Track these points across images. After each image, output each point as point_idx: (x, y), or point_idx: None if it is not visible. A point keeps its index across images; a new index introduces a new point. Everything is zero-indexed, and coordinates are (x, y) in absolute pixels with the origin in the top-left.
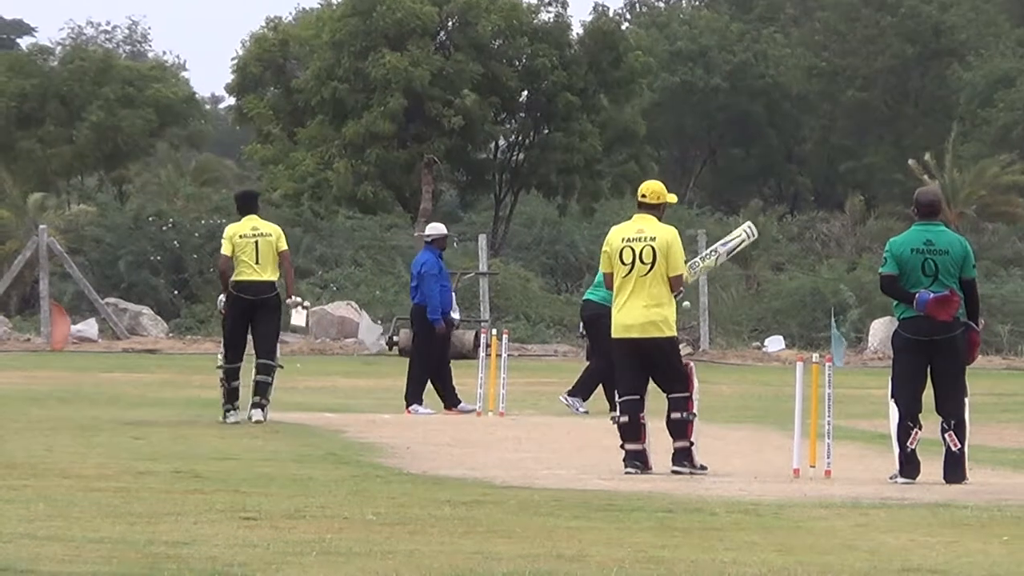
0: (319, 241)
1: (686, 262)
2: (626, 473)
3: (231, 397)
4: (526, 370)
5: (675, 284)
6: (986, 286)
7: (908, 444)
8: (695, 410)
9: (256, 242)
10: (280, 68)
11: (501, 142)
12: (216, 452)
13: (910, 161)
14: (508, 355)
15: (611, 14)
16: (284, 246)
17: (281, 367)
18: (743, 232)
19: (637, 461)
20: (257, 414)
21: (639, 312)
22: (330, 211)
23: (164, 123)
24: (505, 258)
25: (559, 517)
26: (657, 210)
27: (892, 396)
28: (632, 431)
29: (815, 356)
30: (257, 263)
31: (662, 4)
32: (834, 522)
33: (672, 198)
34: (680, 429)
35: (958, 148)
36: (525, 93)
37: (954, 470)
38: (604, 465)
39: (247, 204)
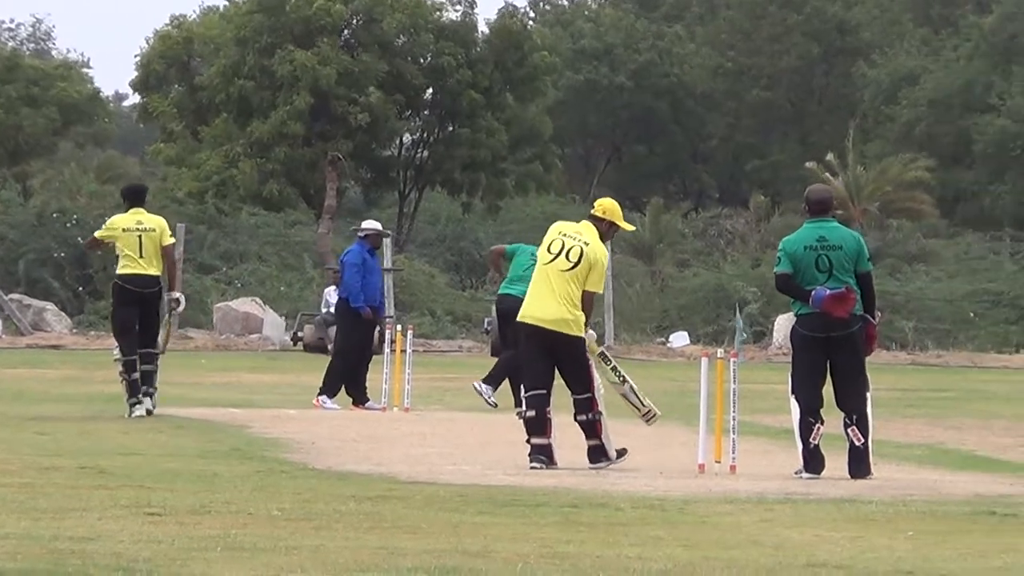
0: (223, 237)
1: (610, 363)
2: (531, 468)
3: (133, 390)
4: (431, 366)
5: (587, 300)
6: (890, 283)
7: (811, 440)
8: (601, 408)
9: (140, 237)
10: (184, 66)
11: (406, 139)
12: (121, 448)
13: (808, 164)
14: (413, 351)
15: (517, 12)
16: (168, 240)
17: (161, 352)
18: (651, 409)
19: (542, 456)
20: (148, 403)
21: (554, 307)
22: (234, 208)
23: (68, 122)
24: (410, 255)
25: (464, 513)
26: (602, 224)
27: (792, 393)
28: (538, 426)
29: (720, 352)
30: (141, 257)
31: (566, 2)
32: (739, 517)
33: (627, 226)
34: (590, 428)
35: (860, 146)
36: (430, 91)
37: (858, 465)
38: (509, 460)
39: (134, 197)
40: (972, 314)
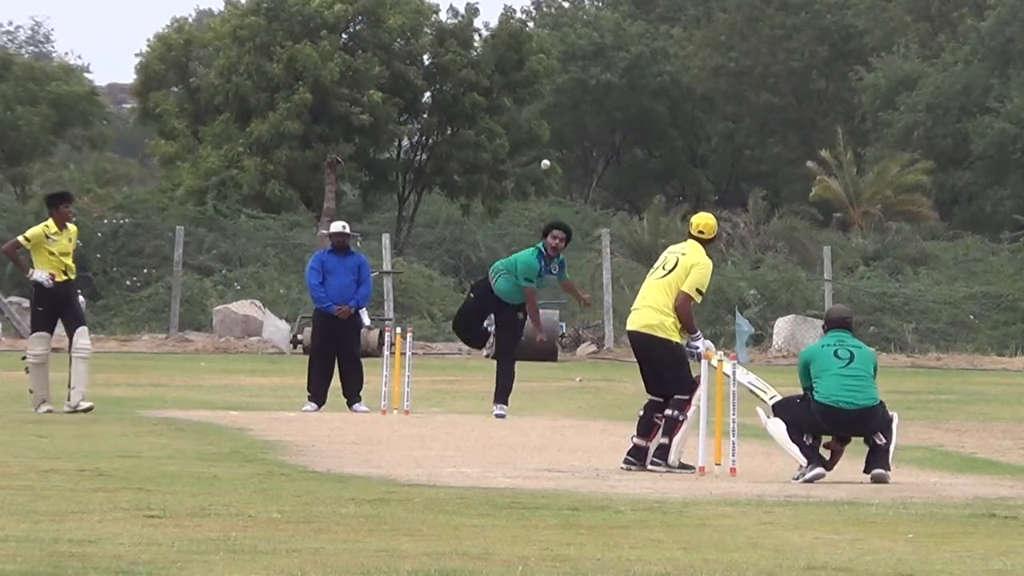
0: (223, 239)
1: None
2: (621, 468)
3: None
4: (431, 368)
5: (680, 301)
6: (891, 285)
7: (804, 439)
8: (689, 413)
9: None
10: (183, 67)
11: (404, 142)
12: (120, 450)
13: (809, 163)
14: (412, 353)
15: (518, 14)
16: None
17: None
18: (772, 393)
19: (632, 457)
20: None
21: (642, 313)
22: (234, 210)
23: (65, 122)
24: (408, 257)
25: (464, 515)
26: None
27: (776, 415)
28: (640, 427)
29: (720, 354)
30: None
31: (567, 3)
32: (739, 520)
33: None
34: (668, 426)
35: (860, 149)
36: (428, 93)
37: (876, 458)
38: (509, 463)
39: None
40: (971, 316)
